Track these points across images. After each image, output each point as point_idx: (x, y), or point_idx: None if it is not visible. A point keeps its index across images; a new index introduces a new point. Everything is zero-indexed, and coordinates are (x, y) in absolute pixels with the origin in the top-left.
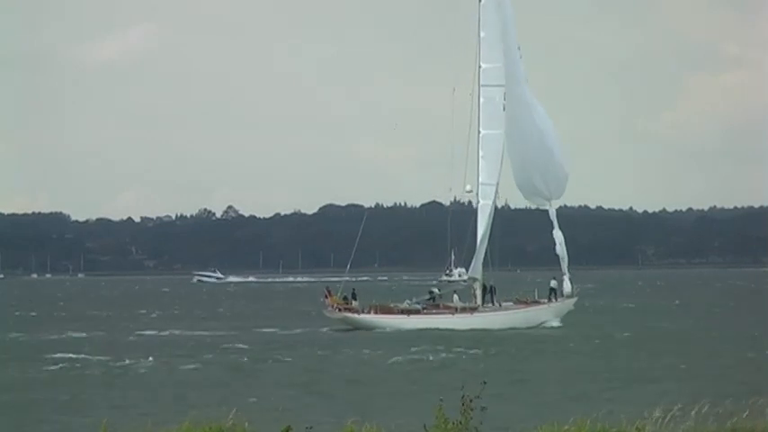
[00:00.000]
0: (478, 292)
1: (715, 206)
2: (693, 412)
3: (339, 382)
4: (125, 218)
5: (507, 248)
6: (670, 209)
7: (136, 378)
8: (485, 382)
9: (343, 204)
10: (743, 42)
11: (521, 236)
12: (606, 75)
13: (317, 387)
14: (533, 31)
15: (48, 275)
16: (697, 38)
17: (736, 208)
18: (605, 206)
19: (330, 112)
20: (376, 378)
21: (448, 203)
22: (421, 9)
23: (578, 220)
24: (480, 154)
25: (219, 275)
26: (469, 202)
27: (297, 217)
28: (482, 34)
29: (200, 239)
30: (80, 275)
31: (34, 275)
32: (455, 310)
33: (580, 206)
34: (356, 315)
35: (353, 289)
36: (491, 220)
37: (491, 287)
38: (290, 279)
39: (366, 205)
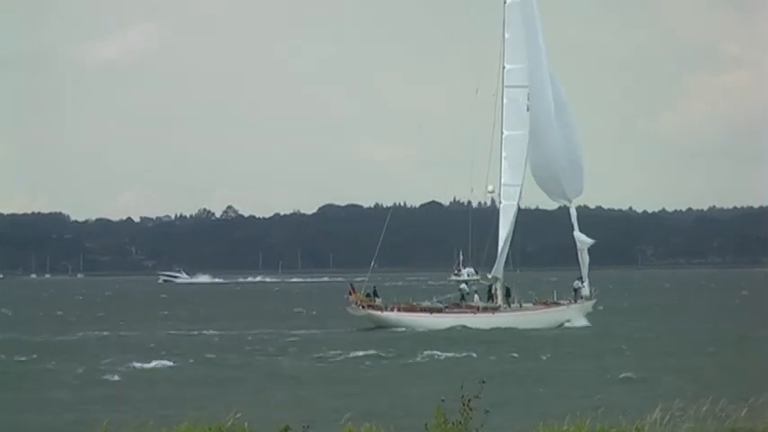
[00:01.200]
0: (500, 292)
1: (714, 206)
2: (692, 412)
3: (341, 382)
4: (124, 218)
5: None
6: (670, 209)
7: (136, 378)
8: (483, 382)
9: (343, 204)
10: (743, 42)
11: (520, 236)
12: (606, 75)
13: (320, 387)
14: None
15: (47, 276)
16: (697, 38)
17: (735, 208)
18: (605, 206)
19: (330, 112)
20: (381, 377)
21: (447, 203)
22: (421, 9)
23: (578, 220)
24: (503, 155)
25: (185, 275)
26: (469, 203)
27: (296, 217)
28: (507, 35)
29: (200, 240)
30: (79, 276)
31: (33, 276)
32: (477, 310)
33: (579, 206)
34: (380, 312)
35: (374, 286)
36: (515, 220)
37: (507, 288)
38: (259, 279)
39: (365, 206)
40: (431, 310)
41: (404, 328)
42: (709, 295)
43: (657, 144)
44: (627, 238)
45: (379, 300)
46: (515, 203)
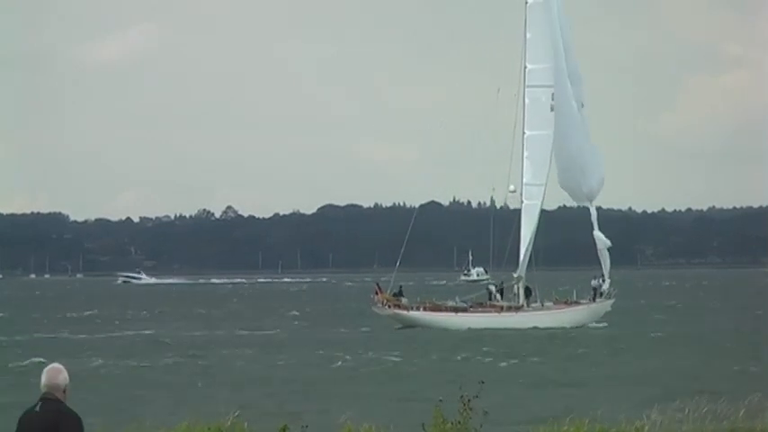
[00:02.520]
0: (521, 292)
1: (714, 206)
2: (692, 412)
3: (343, 383)
4: (124, 218)
5: (502, 248)
6: (669, 209)
7: (135, 378)
8: (482, 382)
9: (342, 205)
10: (743, 43)
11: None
12: (606, 76)
13: (321, 387)
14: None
15: (46, 276)
16: (697, 39)
17: (735, 208)
18: (604, 206)
19: (330, 112)
20: (384, 378)
21: (447, 204)
22: (421, 9)
23: (577, 221)
24: (525, 154)
25: (145, 276)
26: (469, 203)
27: (296, 217)
28: (528, 35)
29: (200, 240)
30: (79, 276)
31: (33, 276)
32: (501, 309)
33: (579, 206)
34: (406, 312)
35: (400, 286)
36: (536, 219)
37: (527, 287)
38: (224, 281)
39: (365, 206)
40: (456, 310)
41: (430, 328)
42: (717, 296)
43: (657, 144)
44: (626, 238)
45: (405, 299)
46: (538, 203)
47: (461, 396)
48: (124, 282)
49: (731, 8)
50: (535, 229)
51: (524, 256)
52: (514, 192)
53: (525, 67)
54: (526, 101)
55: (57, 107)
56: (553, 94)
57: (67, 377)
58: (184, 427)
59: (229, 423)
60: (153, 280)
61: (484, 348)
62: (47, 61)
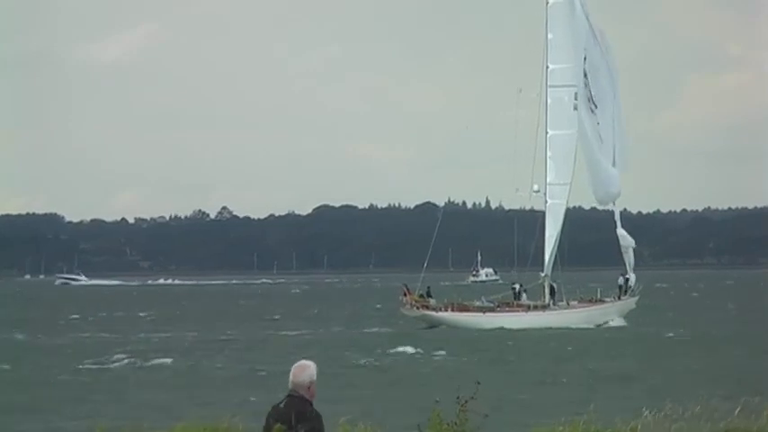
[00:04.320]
0: (547, 291)
1: (710, 207)
2: (687, 413)
3: (348, 382)
4: (119, 219)
5: (504, 248)
6: (665, 210)
7: (132, 378)
8: (479, 383)
9: (338, 205)
10: (743, 43)
11: (524, 237)
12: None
13: (323, 387)
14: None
15: (41, 276)
16: (697, 38)
17: (730, 209)
18: (600, 207)
19: (328, 113)
20: (389, 378)
21: (442, 204)
22: (422, 10)
23: (573, 221)
24: (548, 154)
25: (84, 278)
26: (464, 203)
27: (291, 218)
28: (549, 36)
29: (195, 240)
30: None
31: (28, 276)
32: (527, 308)
33: (575, 207)
34: (434, 313)
35: (428, 287)
36: (562, 219)
37: (552, 286)
38: (170, 281)
39: (360, 206)
40: (483, 310)
41: (458, 328)
42: (726, 297)
43: (656, 144)
44: None
45: (433, 300)
46: (563, 202)
47: (458, 397)
48: (63, 284)
49: (731, 7)
50: (561, 229)
51: (550, 255)
52: (538, 191)
53: (547, 67)
54: (548, 100)
55: (54, 108)
56: (576, 94)
57: (314, 374)
58: (181, 427)
59: (227, 424)
60: (93, 281)
61: (503, 348)
62: (46, 61)
